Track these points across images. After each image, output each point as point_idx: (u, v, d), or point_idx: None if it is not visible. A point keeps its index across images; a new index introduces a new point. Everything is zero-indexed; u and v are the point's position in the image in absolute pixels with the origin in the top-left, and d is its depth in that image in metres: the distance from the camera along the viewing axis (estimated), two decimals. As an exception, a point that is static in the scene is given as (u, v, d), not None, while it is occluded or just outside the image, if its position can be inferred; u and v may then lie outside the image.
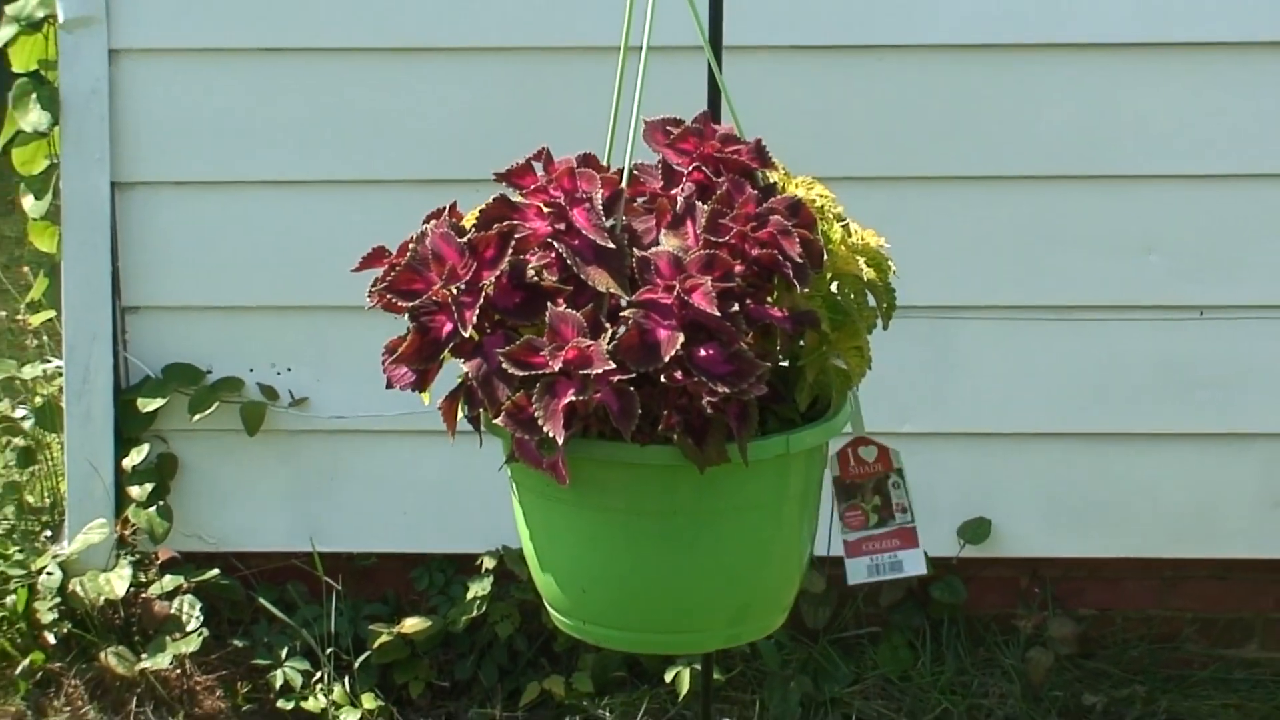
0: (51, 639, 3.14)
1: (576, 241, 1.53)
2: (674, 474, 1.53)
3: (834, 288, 1.66)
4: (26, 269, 4.33)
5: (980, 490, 3.20)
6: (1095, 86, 3.05)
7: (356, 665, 3.14)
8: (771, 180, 1.67)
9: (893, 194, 3.08)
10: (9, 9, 3.18)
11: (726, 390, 1.47)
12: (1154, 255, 3.10)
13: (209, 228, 3.16)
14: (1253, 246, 3.10)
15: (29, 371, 3.49)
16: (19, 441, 3.45)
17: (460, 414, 1.58)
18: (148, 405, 3.16)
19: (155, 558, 3.26)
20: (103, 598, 3.11)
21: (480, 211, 1.60)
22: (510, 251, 1.53)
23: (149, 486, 3.18)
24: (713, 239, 1.54)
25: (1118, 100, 3.06)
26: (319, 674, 3.13)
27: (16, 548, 3.28)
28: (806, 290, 1.55)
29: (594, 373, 1.46)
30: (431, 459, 3.18)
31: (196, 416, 3.15)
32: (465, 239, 1.54)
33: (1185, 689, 3.19)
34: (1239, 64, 3.03)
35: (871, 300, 1.69)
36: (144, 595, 3.19)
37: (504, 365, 1.48)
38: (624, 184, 1.61)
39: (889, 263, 1.70)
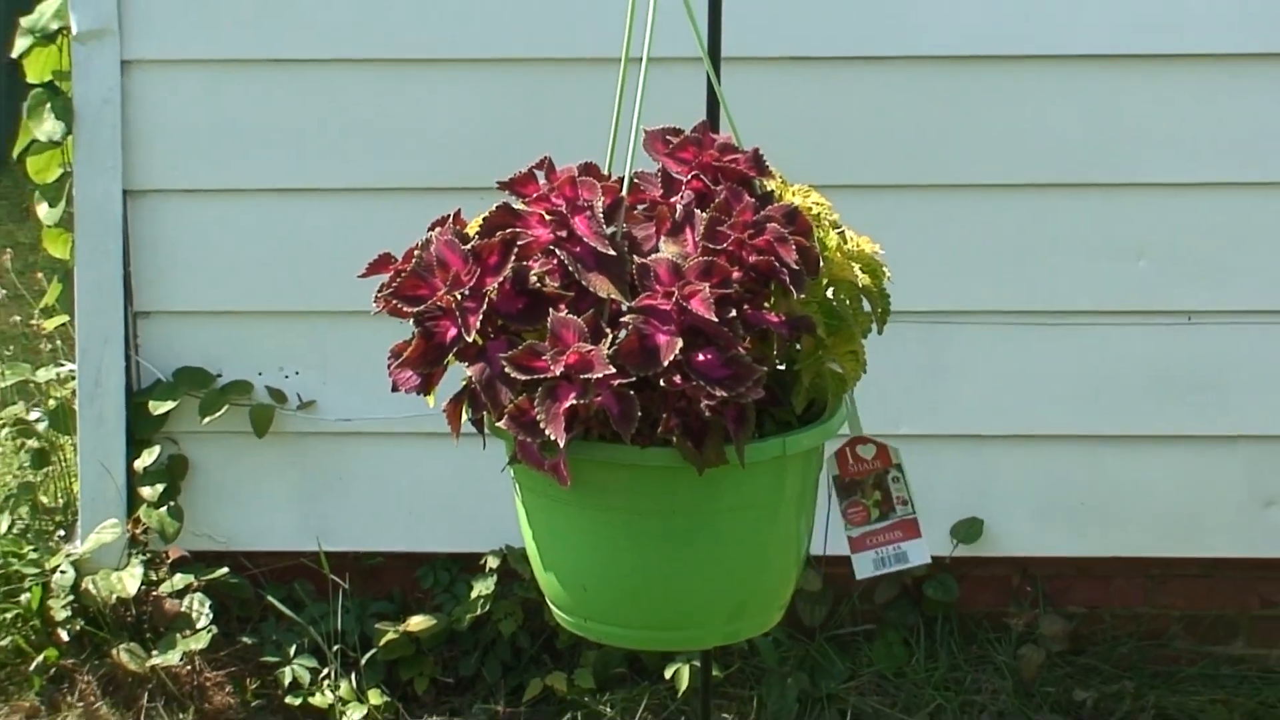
0: (65, 636, 3.14)
1: (578, 248, 1.54)
2: (673, 475, 1.53)
3: (830, 293, 1.66)
4: (41, 275, 4.33)
5: (973, 491, 3.20)
6: (1086, 97, 3.05)
7: (363, 662, 3.14)
8: (769, 188, 1.67)
9: (888, 202, 3.08)
10: (24, 21, 3.19)
11: (724, 394, 1.47)
12: (1144, 262, 3.11)
13: (218, 234, 3.17)
14: (1240, 253, 3.10)
15: (43, 375, 3.50)
16: (33, 443, 3.46)
17: (464, 416, 1.58)
18: (159, 408, 3.16)
19: (166, 556, 3.26)
20: (115, 596, 3.11)
21: (484, 219, 1.60)
22: (513, 258, 1.53)
23: (160, 487, 3.18)
24: (711, 246, 1.54)
25: (1109, 110, 3.06)
26: (326, 671, 3.13)
27: (31, 547, 3.28)
28: (803, 296, 1.56)
29: (595, 377, 1.46)
30: (436, 461, 3.18)
31: (206, 419, 3.16)
32: (469, 246, 1.55)
33: (1173, 685, 3.19)
34: (1228, 75, 3.04)
35: (867, 305, 1.69)
36: (155, 593, 3.19)
37: (507, 369, 1.49)
38: (624, 192, 1.61)
39: (884, 269, 1.70)
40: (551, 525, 1.63)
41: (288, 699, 3.10)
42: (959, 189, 3.10)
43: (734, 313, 1.51)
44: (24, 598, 3.19)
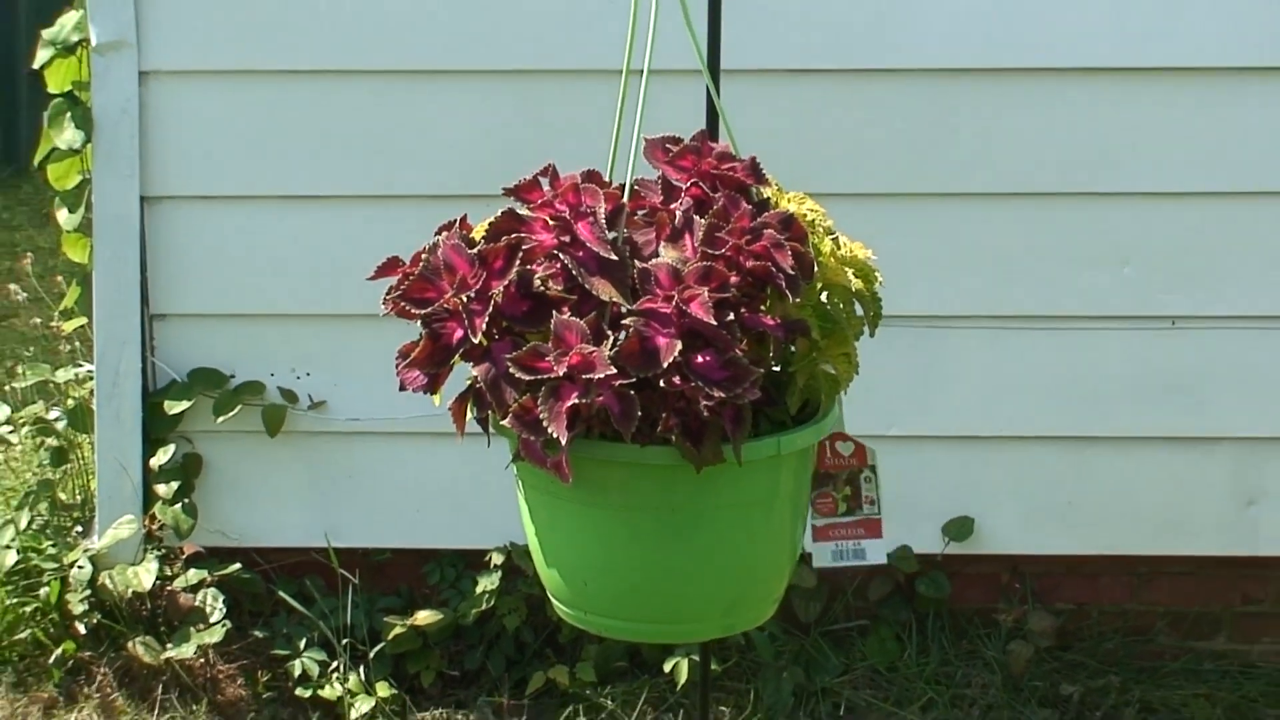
0: (82, 629, 3.15)
1: (581, 253, 1.54)
2: (672, 473, 1.53)
3: (824, 297, 1.66)
4: (60, 278, 4.34)
5: (964, 490, 3.20)
6: (1074, 109, 3.06)
7: (371, 655, 3.14)
8: (765, 196, 1.68)
9: (880, 209, 3.08)
10: (45, 33, 3.19)
11: (722, 395, 1.48)
12: (1129, 268, 3.11)
13: (233, 240, 3.17)
14: (1222, 261, 3.10)
15: (62, 375, 3.50)
16: (52, 441, 3.46)
17: (469, 415, 1.58)
18: (174, 408, 3.17)
19: (180, 552, 3.26)
20: (131, 590, 3.11)
21: (490, 224, 1.60)
22: (518, 262, 1.54)
23: (175, 485, 3.18)
24: (709, 251, 1.55)
25: (1095, 121, 3.06)
26: (335, 664, 3.14)
27: (49, 542, 3.28)
28: (798, 300, 1.56)
29: (596, 377, 1.46)
30: (443, 459, 3.18)
31: (220, 418, 3.16)
32: (475, 250, 1.55)
33: (1157, 679, 3.19)
34: (1211, 87, 3.04)
35: (859, 309, 1.69)
36: (170, 588, 3.19)
37: (511, 370, 1.49)
38: (626, 199, 1.62)
39: (876, 274, 1.70)
40: (553, 521, 1.63)
41: (298, 691, 3.11)
42: (949, 198, 3.11)
43: (732, 316, 1.51)
44: (43, 592, 3.20)
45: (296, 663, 3.13)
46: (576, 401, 1.46)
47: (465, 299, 1.52)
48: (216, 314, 3.22)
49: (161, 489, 3.19)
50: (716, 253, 1.54)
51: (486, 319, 1.51)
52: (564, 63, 3.06)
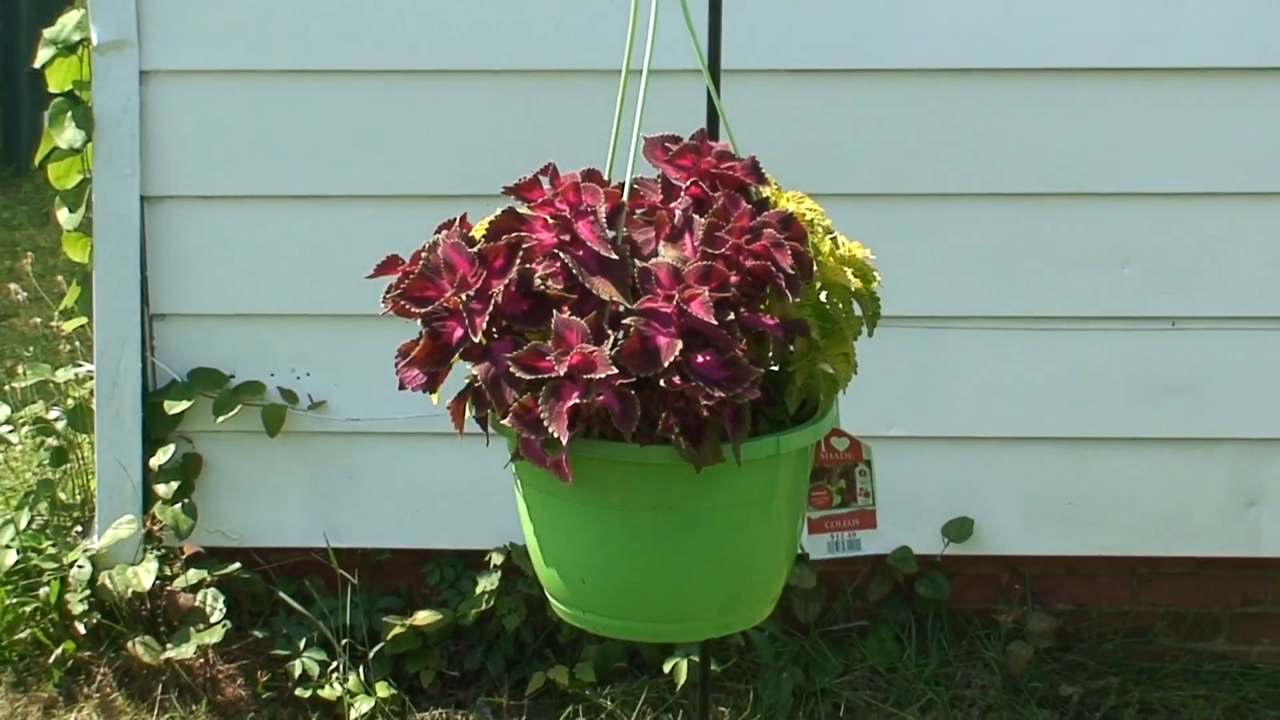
0: (82, 629, 3.15)
1: (581, 252, 1.54)
2: (671, 472, 1.53)
3: (823, 297, 1.66)
4: (60, 278, 4.34)
5: (963, 491, 3.20)
6: (1074, 109, 3.06)
7: (371, 655, 3.14)
8: (764, 195, 1.68)
9: (880, 210, 3.08)
10: (47, 33, 3.20)
11: (722, 394, 1.48)
12: (1128, 269, 3.11)
13: (233, 239, 3.17)
14: (1221, 261, 3.10)
15: (62, 375, 3.50)
16: (52, 441, 3.46)
17: (468, 414, 1.58)
18: (174, 407, 3.17)
19: (180, 552, 3.26)
20: (130, 590, 3.11)
21: (490, 223, 1.60)
22: (518, 261, 1.53)
23: (174, 485, 3.18)
24: (709, 251, 1.55)
25: (1095, 122, 3.06)
26: (335, 664, 3.14)
27: (49, 542, 3.28)
28: (797, 300, 1.56)
29: (597, 377, 1.46)
30: (443, 460, 3.18)
31: (220, 418, 3.16)
32: (475, 249, 1.55)
33: (1157, 680, 3.19)
34: (1211, 88, 3.04)
35: (858, 309, 1.69)
36: (169, 588, 3.19)
37: (512, 369, 1.49)
38: (625, 198, 1.62)
39: (875, 273, 1.70)
40: (552, 520, 1.63)
41: (297, 691, 3.11)
42: (949, 198, 3.11)
43: (731, 316, 1.51)
44: (43, 592, 3.20)
45: (296, 663, 3.13)
46: (577, 401, 1.46)
47: (465, 298, 1.52)
48: (216, 314, 3.22)
49: (161, 489, 3.19)
50: (716, 252, 1.54)
51: (487, 318, 1.51)
52: (564, 62, 3.06)
